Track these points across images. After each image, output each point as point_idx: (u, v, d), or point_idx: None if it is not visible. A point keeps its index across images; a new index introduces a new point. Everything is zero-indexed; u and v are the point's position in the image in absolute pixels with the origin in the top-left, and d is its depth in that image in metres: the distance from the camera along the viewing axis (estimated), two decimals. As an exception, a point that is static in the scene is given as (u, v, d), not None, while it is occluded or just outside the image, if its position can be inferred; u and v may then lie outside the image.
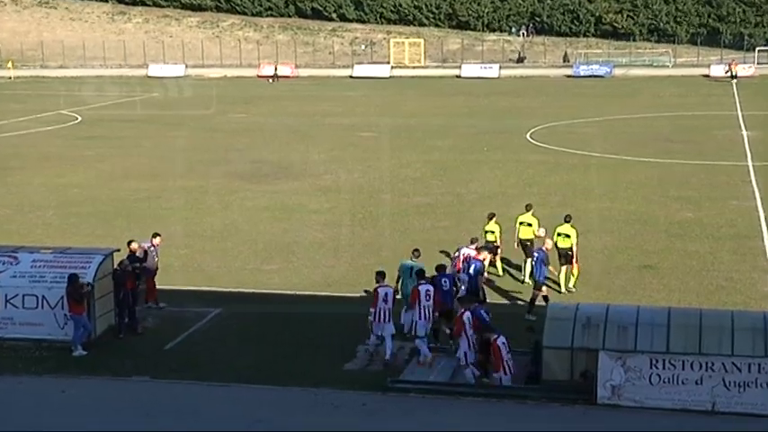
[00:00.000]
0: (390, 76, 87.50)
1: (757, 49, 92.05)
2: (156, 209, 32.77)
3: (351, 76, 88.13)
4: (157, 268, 22.24)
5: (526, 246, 23.92)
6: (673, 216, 30.39)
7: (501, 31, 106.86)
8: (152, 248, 22.27)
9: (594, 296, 22.24)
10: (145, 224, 29.97)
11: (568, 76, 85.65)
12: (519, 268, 24.43)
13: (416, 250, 21.22)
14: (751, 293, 22.59)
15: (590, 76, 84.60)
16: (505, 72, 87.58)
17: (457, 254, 21.75)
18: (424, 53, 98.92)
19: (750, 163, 39.28)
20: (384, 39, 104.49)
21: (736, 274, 24.09)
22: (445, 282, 19.62)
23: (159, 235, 22.81)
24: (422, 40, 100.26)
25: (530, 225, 24.20)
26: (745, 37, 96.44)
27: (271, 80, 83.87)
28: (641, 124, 53.67)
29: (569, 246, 22.88)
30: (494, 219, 24.50)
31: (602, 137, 48.17)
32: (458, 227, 29.18)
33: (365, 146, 46.75)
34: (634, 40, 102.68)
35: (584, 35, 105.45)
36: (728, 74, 79.80)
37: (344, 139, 48.90)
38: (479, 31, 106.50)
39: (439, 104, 65.21)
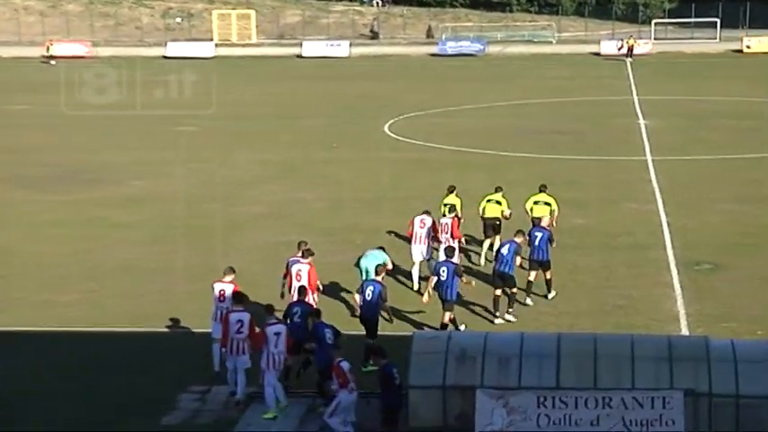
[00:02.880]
0: (214, 56, 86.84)
1: (654, 21, 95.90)
2: None
3: (164, 56, 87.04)
4: None
5: (493, 226, 27.37)
6: (560, 223, 31.23)
7: (350, 1, 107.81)
8: None
9: (471, 322, 22.66)
10: None
11: (433, 55, 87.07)
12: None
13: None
14: (653, 314, 23.46)
15: (459, 55, 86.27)
16: (357, 50, 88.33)
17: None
18: (256, 28, 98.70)
19: (649, 157, 40.89)
20: (205, 9, 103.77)
21: (635, 292, 24.98)
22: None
23: None
24: (252, 12, 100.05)
25: (498, 203, 27.62)
26: (640, 8, 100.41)
27: (50, 61, 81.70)
28: (521, 113, 55.08)
29: (545, 214, 26.47)
30: (454, 192, 27.49)
31: (475, 128, 49.18)
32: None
33: (185, 143, 46.24)
34: (511, 11, 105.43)
35: (452, 5, 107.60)
36: (623, 51, 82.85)
37: (158, 136, 48.23)
38: (324, 0, 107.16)
39: (276, 91, 65.13)
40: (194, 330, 22.66)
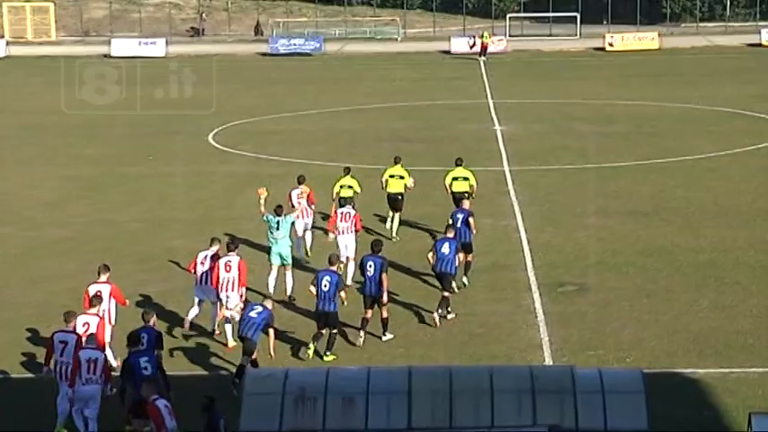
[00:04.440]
0: (6, 56, 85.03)
1: (508, 16, 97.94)
2: None
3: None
4: None
5: (397, 200, 31.73)
6: (409, 242, 31.57)
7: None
8: None
9: (306, 358, 22.68)
10: None
11: (263, 55, 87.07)
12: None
13: (279, 206, 26.86)
14: (514, 342, 23.88)
15: (293, 54, 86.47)
16: (175, 49, 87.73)
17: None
18: (56, 23, 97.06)
19: (506, 168, 41.66)
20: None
21: (493, 318, 25.38)
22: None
23: None
24: (51, 5, 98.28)
25: (401, 177, 31.89)
26: (493, 1, 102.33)
27: None
28: (363, 118, 55.46)
29: (466, 190, 30.96)
30: (350, 173, 31.54)
31: (311, 137, 49.30)
32: (115, 270, 28.75)
33: (-27, 158, 45.21)
34: (350, 5, 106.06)
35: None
36: (476, 49, 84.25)
37: (-59, 149, 47.06)
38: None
39: (81, 96, 64.06)
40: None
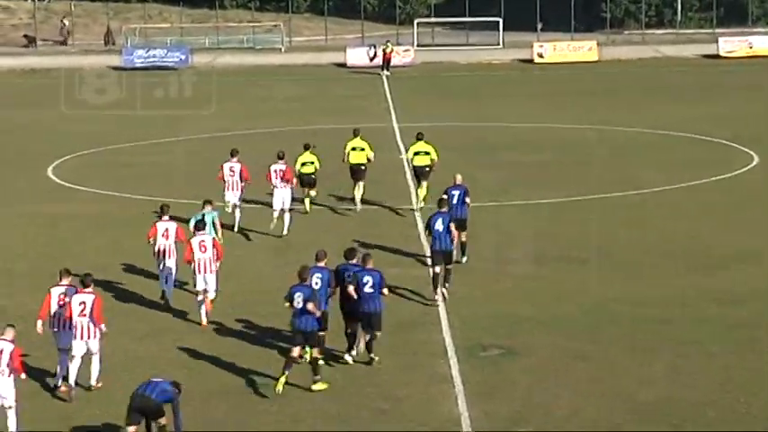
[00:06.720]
0: None
1: (416, 21, 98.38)
2: None
3: None
4: None
5: (359, 170, 40.14)
6: (298, 298, 31.51)
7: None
8: None
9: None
10: None
11: (116, 68, 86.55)
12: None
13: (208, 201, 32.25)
14: (427, 419, 23.89)
15: (154, 68, 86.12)
16: (4, 62, 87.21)
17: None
18: None
19: (416, 205, 41.68)
20: None
21: (402, 390, 25.35)
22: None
23: None
24: None
25: (363, 150, 40.15)
26: (397, 3, 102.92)
27: None
28: (238, 147, 55.23)
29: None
30: (310, 149, 39.44)
31: (174, 170, 49.03)
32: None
33: None
34: (223, 8, 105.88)
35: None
36: (377, 61, 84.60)
37: None
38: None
39: None
40: None
